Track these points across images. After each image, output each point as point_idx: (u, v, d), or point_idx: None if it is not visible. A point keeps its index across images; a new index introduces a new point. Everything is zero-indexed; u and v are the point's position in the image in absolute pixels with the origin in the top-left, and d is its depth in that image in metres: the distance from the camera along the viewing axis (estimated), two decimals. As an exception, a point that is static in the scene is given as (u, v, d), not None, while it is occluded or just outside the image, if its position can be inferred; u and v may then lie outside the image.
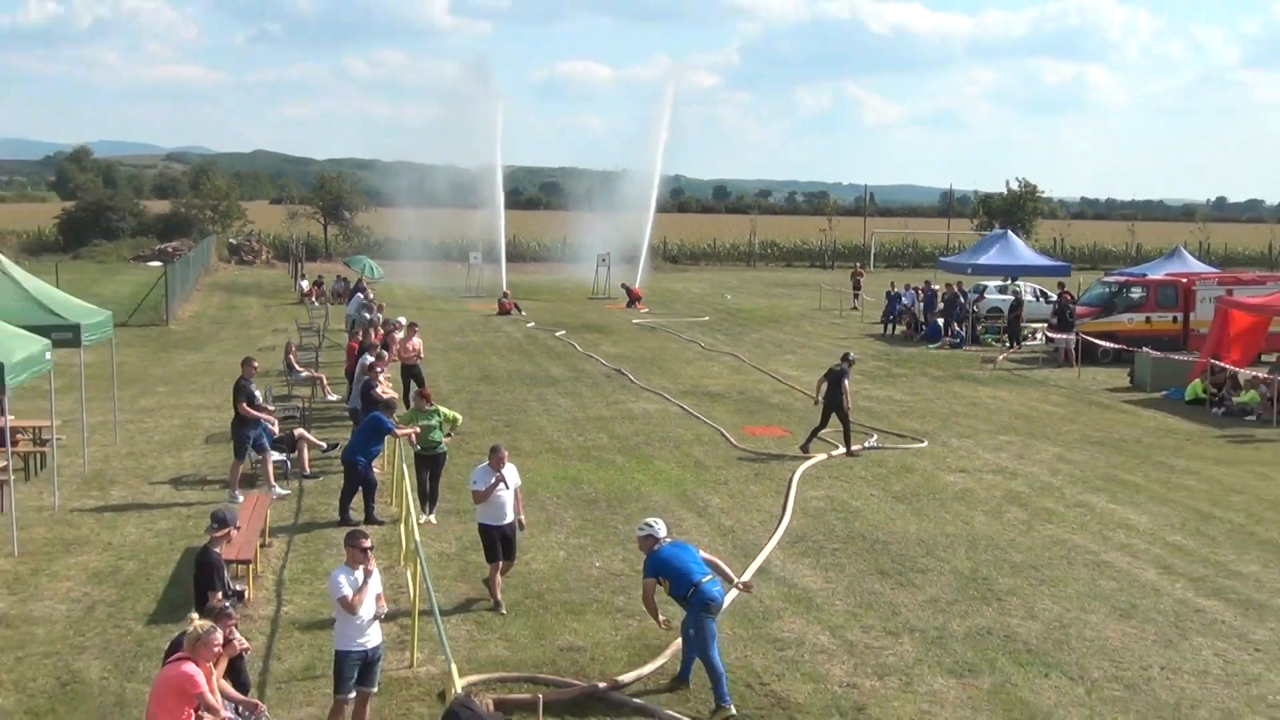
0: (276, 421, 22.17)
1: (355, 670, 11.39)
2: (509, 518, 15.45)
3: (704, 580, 12.73)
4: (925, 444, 26.00)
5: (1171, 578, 17.44)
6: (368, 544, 11.79)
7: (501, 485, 15.35)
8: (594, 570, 17.22)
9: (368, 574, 11.54)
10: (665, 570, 12.88)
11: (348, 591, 11.39)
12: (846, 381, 25.08)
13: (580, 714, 12.46)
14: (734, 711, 12.49)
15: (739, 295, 61.43)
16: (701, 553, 13.34)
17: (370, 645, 11.46)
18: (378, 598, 11.61)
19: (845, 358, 25.84)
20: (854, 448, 25.08)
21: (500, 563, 15.40)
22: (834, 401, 24.74)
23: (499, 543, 15.29)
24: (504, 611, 15.18)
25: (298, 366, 32.04)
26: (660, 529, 13.45)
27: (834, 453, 24.76)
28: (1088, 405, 31.80)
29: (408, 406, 21.92)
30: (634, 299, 55.56)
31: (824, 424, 25.10)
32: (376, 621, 11.57)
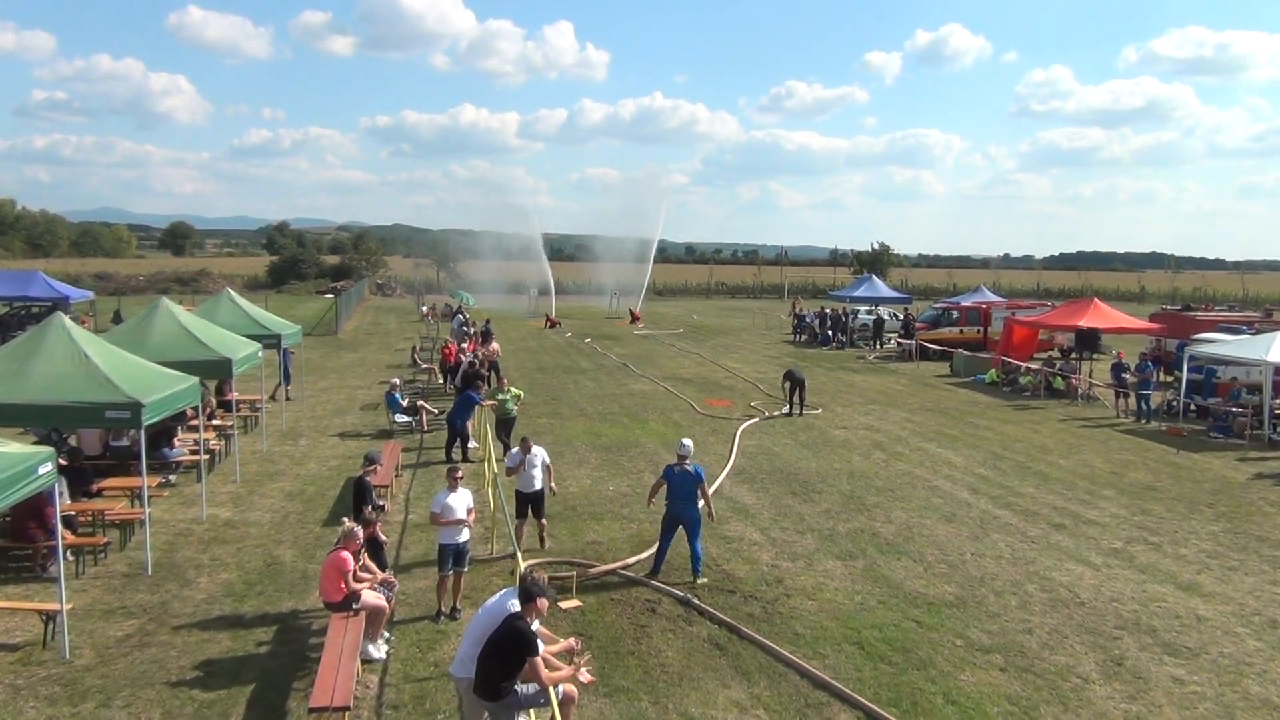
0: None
1: (450, 556, 11.28)
2: (537, 485, 13.45)
3: (679, 501, 12.61)
4: (820, 411, 25.87)
5: (978, 496, 17.34)
6: (459, 474, 11.68)
7: (529, 465, 13.39)
8: (609, 492, 17.10)
9: (454, 492, 11.40)
10: (667, 479, 12.76)
11: (438, 509, 11.34)
12: (808, 381, 26.22)
13: (601, 586, 12.37)
14: (704, 581, 12.47)
15: (702, 316, 61.18)
16: (703, 480, 12.88)
17: (460, 540, 11.30)
18: (468, 510, 11.46)
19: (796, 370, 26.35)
20: (786, 414, 25.16)
21: (524, 521, 13.50)
22: (796, 387, 25.55)
23: (529, 504, 13.45)
24: (532, 545, 13.37)
25: (419, 361, 32.01)
26: (686, 449, 13.09)
27: (769, 415, 24.70)
28: (924, 386, 31.69)
29: (489, 388, 21.82)
30: (635, 318, 55.45)
31: (792, 401, 25.61)
32: (465, 525, 11.38)
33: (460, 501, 11.37)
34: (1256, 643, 11.03)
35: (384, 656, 10.20)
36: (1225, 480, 18.99)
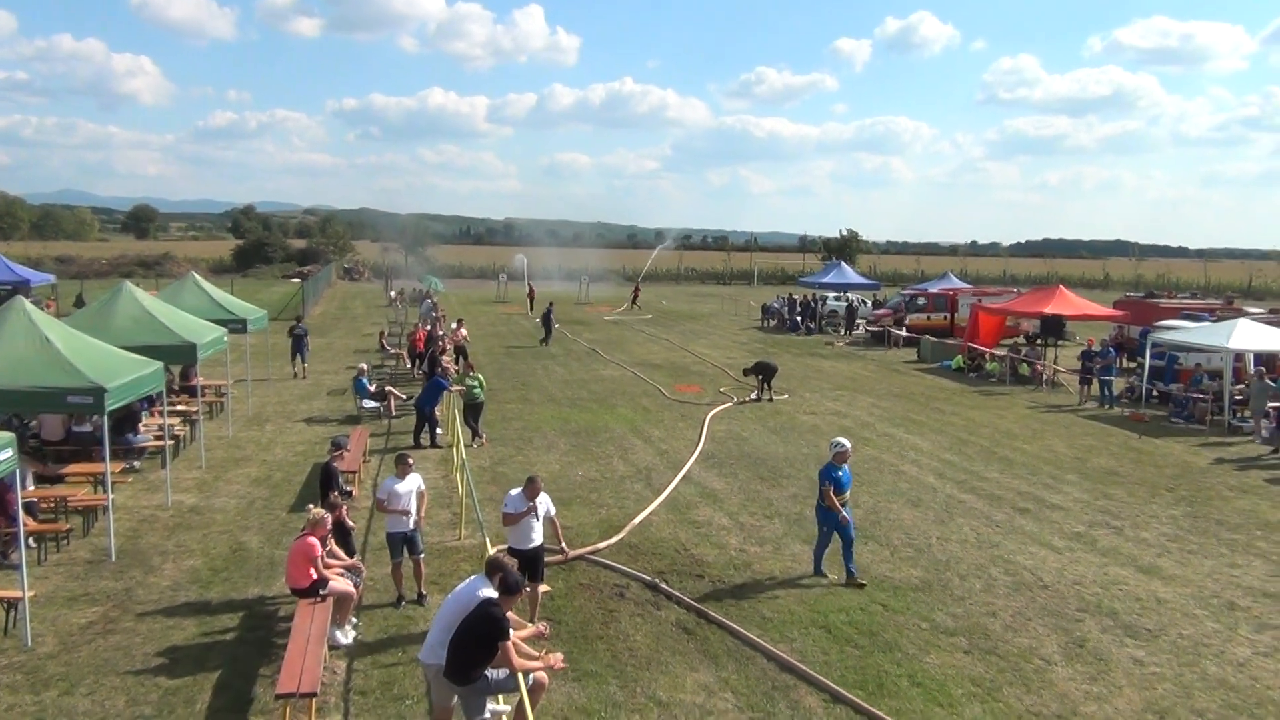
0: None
1: (400, 544, 11.18)
2: (534, 543, 10.55)
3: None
4: (788, 396, 26.00)
5: (943, 481, 17.50)
6: (410, 461, 11.56)
7: (533, 515, 10.54)
8: (578, 477, 17.11)
9: (402, 480, 11.25)
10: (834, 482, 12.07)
11: (383, 495, 11.24)
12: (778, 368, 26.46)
13: (569, 571, 12.38)
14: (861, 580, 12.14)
15: (671, 301, 61.17)
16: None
17: (408, 528, 11.16)
18: (419, 495, 11.34)
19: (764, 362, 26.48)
20: (755, 399, 25.25)
21: (532, 587, 10.48)
22: (767, 376, 25.74)
23: (524, 566, 10.20)
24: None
25: (387, 346, 31.84)
26: (848, 445, 12.44)
27: (740, 401, 24.78)
28: (891, 371, 31.91)
29: (459, 374, 21.78)
30: (635, 298, 56.43)
31: (761, 387, 25.78)
32: (410, 515, 11.20)
33: (408, 489, 11.26)
34: (1214, 624, 11.22)
35: (351, 643, 10.17)
36: (1186, 465, 19.29)
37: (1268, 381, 22.07)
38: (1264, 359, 23.93)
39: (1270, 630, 11.09)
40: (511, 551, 10.49)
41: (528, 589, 9.94)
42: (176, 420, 18.72)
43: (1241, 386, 23.70)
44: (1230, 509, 16.14)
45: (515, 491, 10.67)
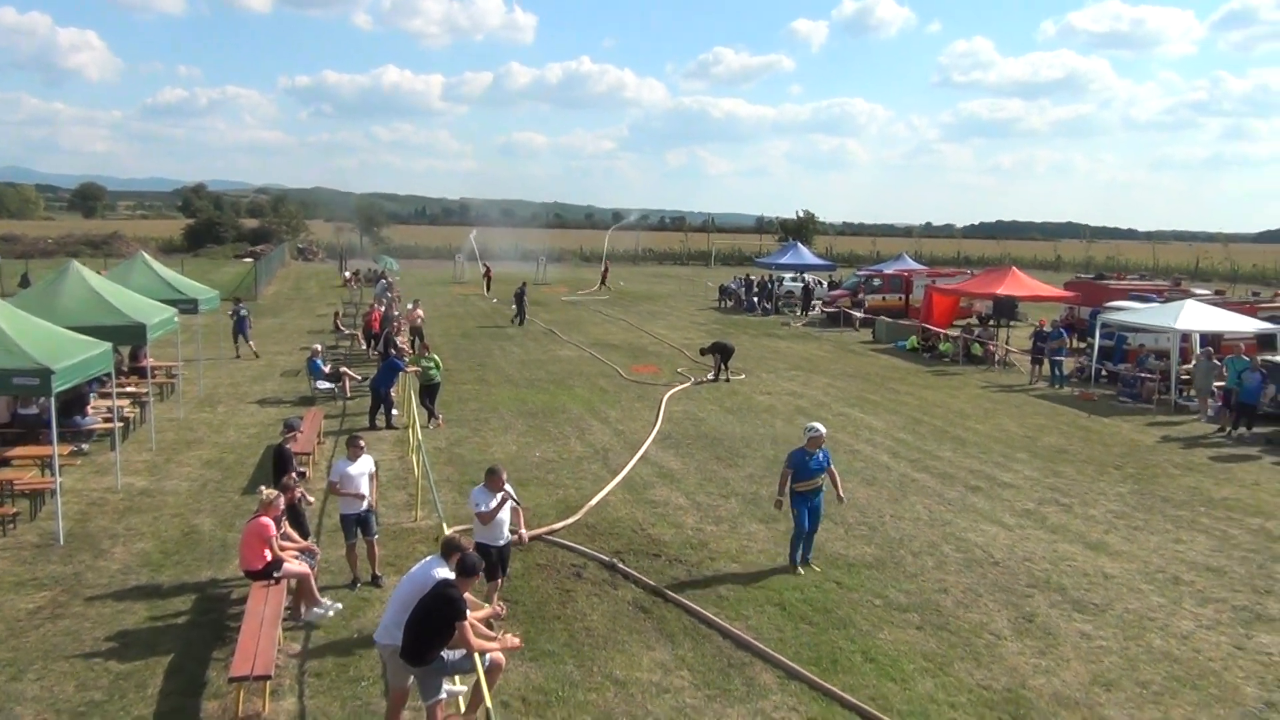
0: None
1: (354, 525, 11.13)
2: (505, 538, 10.33)
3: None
4: (744, 376, 26.11)
5: (897, 460, 17.69)
6: (361, 443, 11.50)
7: (505, 508, 10.21)
8: (535, 457, 17.08)
9: (353, 462, 11.20)
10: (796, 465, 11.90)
11: (335, 478, 11.17)
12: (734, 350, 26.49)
13: (526, 551, 12.37)
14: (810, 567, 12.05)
15: (629, 282, 61.02)
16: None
17: (361, 509, 11.12)
18: (370, 477, 11.32)
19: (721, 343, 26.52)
20: (713, 379, 25.34)
21: (498, 580, 10.37)
22: (724, 356, 25.76)
23: (497, 564, 10.23)
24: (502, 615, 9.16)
25: (342, 327, 31.56)
26: (822, 430, 12.12)
27: (698, 381, 24.86)
28: (847, 352, 32.15)
29: (415, 355, 21.65)
30: (605, 276, 56.61)
31: (719, 368, 25.77)
32: (366, 493, 11.18)
33: (360, 471, 11.21)
34: (1159, 599, 11.48)
35: (331, 614, 10.29)
36: (1133, 443, 19.66)
37: (1214, 361, 22.54)
38: (1210, 339, 24.42)
39: (1213, 604, 11.37)
40: (480, 548, 9.76)
41: (492, 580, 9.97)
42: (126, 402, 18.41)
43: (1188, 366, 24.18)
44: (1176, 486, 16.48)
45: (478, 487, 10.25)
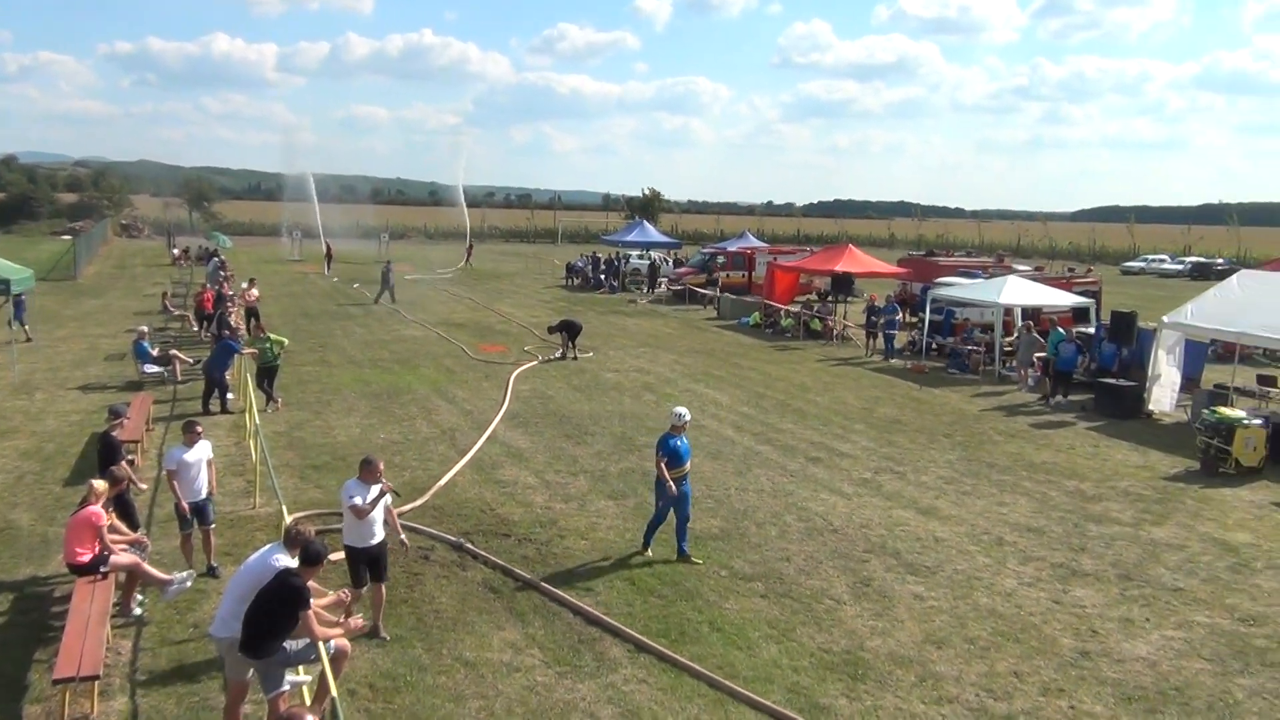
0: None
1: (192, 515, 10.72)
2: (378, 537, 9.33)
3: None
4: (592, 354, 26.21)
5: (741, 433, 18.11)
6: (198, 429, 11.06)
7: (381, 503, 9.37)
8: (380, 440, 16.74)
9: (190, 448, 10.77)
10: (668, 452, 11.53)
11: (172, 465, 10.72)
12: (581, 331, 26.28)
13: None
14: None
15: (475, 260, 60.37)
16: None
17: (199, 497, 10.74)
18: (208, 463, 10.92)
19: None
20: (560, 357, 25.29)
21: (365, 588, 9.39)
22: (572, 334, 25.80)
23: (364, 566, 9.34)
24: (386, 636, 9.30)
25: (171, 308, 30.18)
26: (687, 416, 11.86)
27: (545, 359, 24.78)
28: (692, 328, 32.66)
29: (250, 336, 20.86)
30: (469, 253, 57.90)
31: (566, 346, 25.84)
32: (203, 479, 10.80)
33: (198, 457, 10.81)
34: (985, 559, 12.14)
35: (141, 613, 9.75)
36: (961, 413, 20.68)
37: (1034, 335, 23.90)
38: (1030, 313, 25.87)
39: (1033, 562, 12.10)
40: (350, 551, 9.32)
41: (358, 587, 9.29)
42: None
43: (1011, 339, 25.56)
44: (999, 452, 17.44)
45: (351, 480, 9.41)
